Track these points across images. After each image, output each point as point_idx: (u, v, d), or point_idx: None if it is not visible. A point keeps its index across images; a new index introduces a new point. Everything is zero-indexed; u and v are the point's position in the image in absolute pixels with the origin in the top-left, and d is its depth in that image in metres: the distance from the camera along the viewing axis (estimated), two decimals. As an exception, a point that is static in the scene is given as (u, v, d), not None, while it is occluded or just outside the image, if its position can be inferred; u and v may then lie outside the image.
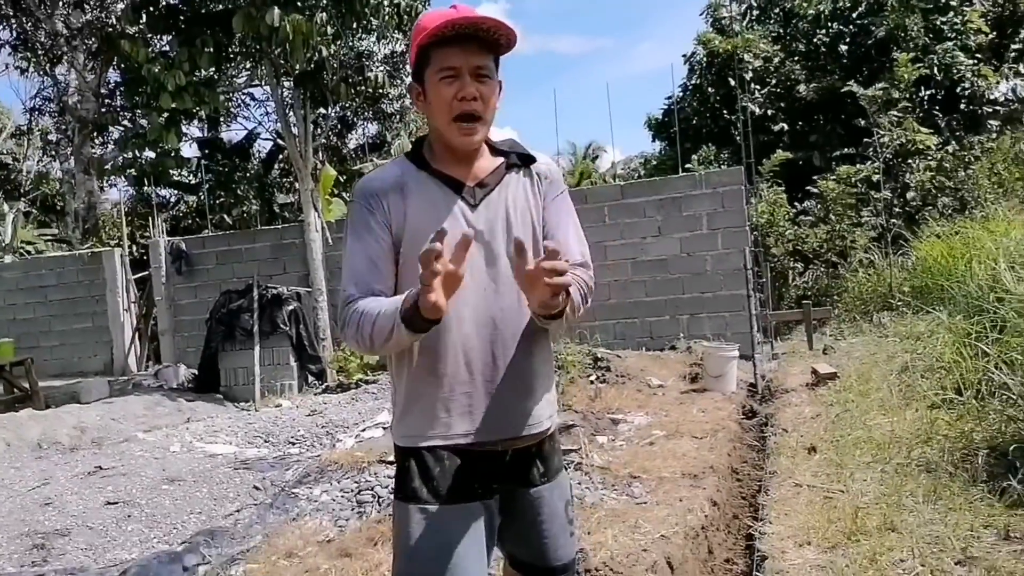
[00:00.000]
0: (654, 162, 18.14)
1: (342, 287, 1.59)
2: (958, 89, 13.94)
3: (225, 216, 14.93)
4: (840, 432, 4.70)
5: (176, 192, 17.60)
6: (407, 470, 1.62)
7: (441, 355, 1.57)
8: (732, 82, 14.57)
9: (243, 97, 13.72)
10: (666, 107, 17.02)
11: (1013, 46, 14.64)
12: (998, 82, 14.26)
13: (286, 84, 9.92)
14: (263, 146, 17.43)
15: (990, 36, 14.19)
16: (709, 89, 15.86)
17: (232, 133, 18.05)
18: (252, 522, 4.02)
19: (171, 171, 12.13)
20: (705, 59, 15.88)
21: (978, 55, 14.06)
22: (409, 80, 1.67)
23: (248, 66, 10.31)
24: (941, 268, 7.94)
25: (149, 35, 9.09)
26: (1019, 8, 14.35)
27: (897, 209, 12.32)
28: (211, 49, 8.42)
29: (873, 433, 4.46)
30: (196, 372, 9.51)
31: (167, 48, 9.09)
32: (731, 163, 12.94)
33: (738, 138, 12.90)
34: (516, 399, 1.63)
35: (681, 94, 16.76)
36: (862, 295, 10.27)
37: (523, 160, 1.68)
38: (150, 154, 9.94)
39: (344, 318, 1.54)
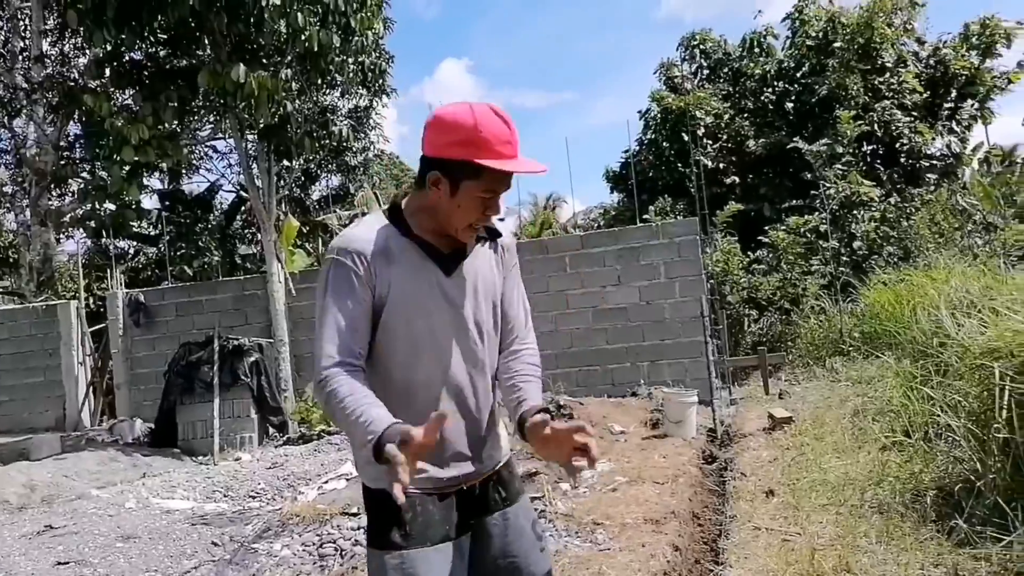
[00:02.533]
0: (613, 213, 18.54)
1: (320, 345, 1.60)
2: (897, 145, 14.69)
3: (186, 268, 14.75)
4: (796, 475, 4.82)
5: (135, 244, 17.36)
6: (379, 516, 1.67)
7: (414, 413, 1.62)
8: (685, 137, 15.12)
9: (206, 149, 13.75)
10: (623, 160, 17.52)
11: (945, 105, 15.53)
12: (933, 138, 15.07)
13: (250, 137, 10.00)
14: (225, 198, 17.41)
15: (924, 96, 15.04)
16: (664, 143, 16.40)
17: (194, 185, 18.00)
18: (212, 579, 3.95)
19: (131, 223, 12.02)
20: (659, 115, 16.46)
21: (914, 113, 14.88)
22: (431, 169, 1.63)
23: (212, 119, 10.38)
24: (888, 314, 8.27)
25: (112, 89, 9.12)
26: (949, 70, 15.26)
27: (845, 258, 12.78)
28: (175, 104, 8.48)
29: (828, 475, 4.59)
30: (153, 426, 9.28)
31: (130, 102, 9.12)
32: (686, 214, 13.33)
33: (692, 190, 13.32)
34: (481, 444, 1.75)
35: (637, 148, 17.29)
36: (815, 341, 10.57)
37: (490, 234, 1.80)
38: (110, 206, 9.87)
39: (320, 384, 1.58)
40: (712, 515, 4.75)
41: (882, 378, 6.33)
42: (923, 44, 16.12)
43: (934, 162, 15.12)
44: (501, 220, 1.86)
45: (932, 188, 14.39)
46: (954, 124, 15.62)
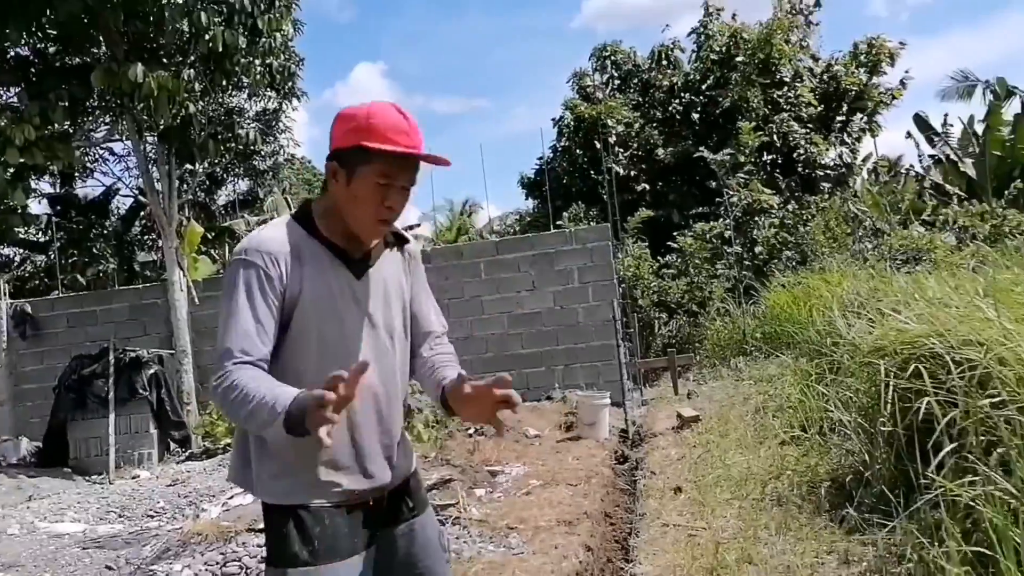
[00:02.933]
0: (528, 219, 18.74)
1: (223, 343, 1.53)
2: (794, 155, 15.50)
3: (78, 276, 13.91)
4: (702, 471, 4.98)
5: (22, 251, 16.24)
6: (284, 534, 1.59)
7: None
8: (598, 145, 15.46)
9: (101, 151, 13.00)
10: (538, 167, 17.74)
11: (838, 118, 16.50)
12: (827, 149, 15.99)
13: (149, 139, 9.53)
14: (123, 202, 16.51)
15: (819, 109, 15.94)
16: (577, 151, 16.73)
17: (88, 189, 16.97)
18: (105, 606, 3.72)
19: (16, 228, 11.23)
20: (572, 123, 16.77)
21: (809, 125, 15.74)
22: (331, 162, 1.63)
23: (108, 120, 9.83)
24: (787, 316, 8.67)
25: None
26: (841, 86, 16.23)
27: (747, 262, 13.35)
28: (66, 103, 7.98)
29: (731, 471, 4.76)
30: (40, 445, 8.69)
31: (15, 101, 8.54)
32: (599, 220, 13.61)
33: (605, 197, 13.63)
34: (391, 452, 1.70)
35: (551, 155, 17.55)
36: (720, 342, 10.98)
37: (397, 239, 1.81)
38: (-8, 211, 9.20)
39: (219, 381, 1.50)
40: (623, 514, 4.83)
41: (781, 376, 6.63)
42: (817, 61, 17.09)
43: (828, 171, 16.02)
44: (416, 226, 1.85)
45: (826, 196, 15.22)
46: (846, 136, 16.62)
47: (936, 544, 2.63)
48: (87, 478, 7.81)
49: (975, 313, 3.47)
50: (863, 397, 4.10)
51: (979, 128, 18.21)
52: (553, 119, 17.51)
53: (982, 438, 2.79)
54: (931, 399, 3.06)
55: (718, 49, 16.39)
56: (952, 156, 18.65)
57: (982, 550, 2.42)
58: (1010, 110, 17.95)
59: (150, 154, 9.54)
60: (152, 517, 5.67)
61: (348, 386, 1.33)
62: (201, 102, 8.89)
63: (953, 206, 14.60)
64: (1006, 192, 15.66)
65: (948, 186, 17.52)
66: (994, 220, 12.48)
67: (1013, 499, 2.42)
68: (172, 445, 8.43)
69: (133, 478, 7.43)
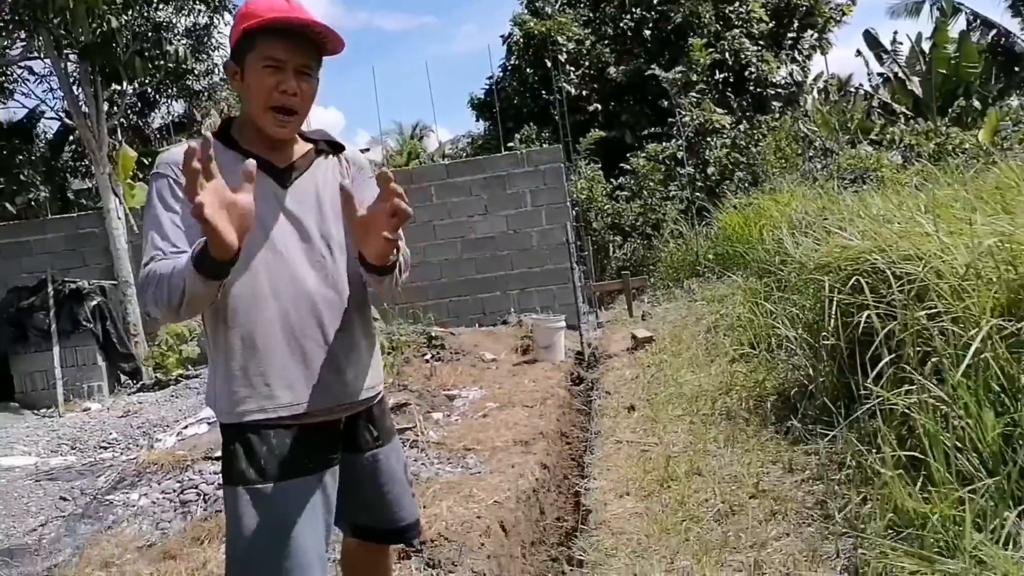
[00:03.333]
0: (479, 142, 18.41)
1: (145, 253, 1.50)
2: (746, 73, 15.42)
3: (7, 205, 13.21)
4: (655, 390, 5.12)
5: (-58, 179, 15.32)
6: (232, 452, 1.59)
7: (258, 328, 1.57)
8: (548, 64, 15.10)
9: (19, 71, 12.11)
10: (487, 87, 17.30)
11: (789, 35, 16.41)
12: (778, 67, 15.94)
13: (71, 57, 8.90)
14: (49, 126, 15.55)
15: (770, 25, 15.79)
16: (527, 70, 16.32)
17: (10, 112, 15.93)
18: (60, 536, 3.69)
19: (-67, 154, 10.54)
20: (522, 40, 16.29)
21: (760, 42, 15.62)
22: (227, 59, 1.65)
23: (22, 36, 9.13)
24: (738, 236, 8.83)
25: None
26: (792, 1, 16.06)
27: (700, 184, 13.44)
28: (-26, 17, 7.38)
29: (683, 389, 4.91)
30: (-18, 381, 8.44)
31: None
32: (551, 142, 13.44)
33: (556, 118, 13.42)
34: (339, 369, 1.65)
35: (501, 75, 17.10)
36: (674, 264, 11.15)
37: (332, 147, 1.75)
38: (-96, 136, 8.57)
39: (143, 280, 1.47)
40: (579, 433, 4.96)
41: (732, 296, 6.79)
42: (768, -26, 16.82)
43: (779, 90, 16.05)
44: (365, 150, 1.78)
45: (777, 116, 15.29)
46: (796, 54, 16.58)
47: (874, 451, 2.76)
48: (35, 412, 7.66)
49: (915, 229, 3.56)
50: (808, 313, 4.22)
51: (926, 46, 18.36)
52: (502, 36, 17.00)
53: (918, 349, 2.90)
54: (871, 312, 3.16)
55: (670, -39, 15.97)
56: (900, 74, 18.84)
57: (915, 454, 2.55)
58: (956, 27, 18.11)
59: (73, 73, 8.94)
60: (105, 448, 5.60)
61: (241, 189, 1.31)
62: (124, 15, 8.30)
63: (900, 125, 14.84)
64: (950, 110, 15.96)
65: (895, 105, 17.76)
66: (938, 138, 12.74)
67: (944, 405, 2.53)
68: (122, 377, 8.28)
69: (84, 411, 7.30)
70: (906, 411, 2.70)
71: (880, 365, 2.96)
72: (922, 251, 3.21)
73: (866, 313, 3.20)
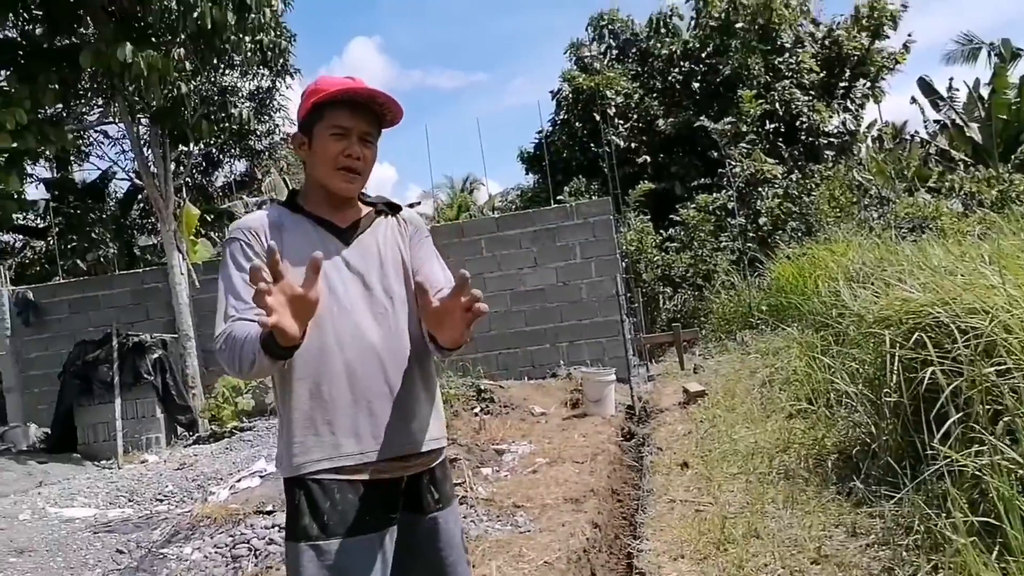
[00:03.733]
0: (529, 194, 18.62)
1: (219, 315, 1.60)
2: (797, 123, 15.32)
3: (79, 261, 13.88)
4: (709, 446, 4.97)
5: (21, 237, 16.22)
6: (296, 507, 1.61)
7: (324, 378, 1.62)
8: (597, 117, 15.29)
9: (96, 135, 12.89)
10: (537, 141, 17.57)
11: (840, 84, 16.29)
12: (830, 116, 15.81)
13: (142, 121, 9.43)
14: (120, 186, 16.42)
15: (821, 75, 15.73)
16: (576, 124, 16.55)
17: (85, 173, 16.89)
18: (115, 590, 3.74)
19: (14, 214, 11.18)
20: (571, 95, 16.57)
21: (812, 92, 15.54)
22: (295, 131, 1.76)
23: (100, 102, 9.73)
24: (792, 287, 8.64)
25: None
26: (843, 51, 15.99)
27: (751, 234, 13.28)
28: (56, 86, 7.89)
29: (738, 445, 4.76)
30: (49, 431, 8.73)
31: (4, 84, 8.45)
32: (600, 194, 13.51)
33: (605, 170, 13.52)
34: (403, 419, 1.67)
35: (551, 128, 17.38)
36: (726, 315, 10.96)
37: (390, 208, 1.85)
38: (-11, 197, 9.12)
39: (219, 342, 1.55)
40: (630, 490, 4.84)
41: (787, 349, 6.60)
42: (818, 25, 16.84)
43: (831, 139, 15.87)
44: (417, 204, 1.85)
45: (830, 164, 15.11)
46: (848, 103, 16.43)
47: (943, 515, 2.61)
48: (96, 463, 7.86)
49: (980, 281, 3.43)
50: (869, 368, 4.08)
51: (984, 92, 18.00)
52: (551, 92, 17.33)
53: (988, 407, 2.76)
54: (936, 368, 3.03)
55: (717, 15, 16.14)
56: (957, 121, 18.46)
57: (989, 520, 2.40)
58: (1015, 72, 17.75)
59: (144, 136, 9.46)
60: (161, 501, 5.70)
61: (308, 282, 1.36)
62: (193, 81, 8.78)
63: (959, 172, 14.49)
64: (1012, 156, 15.53)
65: (954, 151, 17.36)
66: (1001, 185, 12.38)
67: (1019, 468, 2.39)
68: (179, 429, 8.46)
69: (141, 462, 7.47)
70: (977, 473, 2.56)
71: (948, 424, 2.82)
72: (988, 304, 3.09)
73: (931, 369, 3.07)
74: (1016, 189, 12.00)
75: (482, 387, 7.47)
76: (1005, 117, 16.47)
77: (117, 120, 9.82)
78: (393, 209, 1.85)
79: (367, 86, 1.69)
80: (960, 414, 2.84)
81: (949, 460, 2.69)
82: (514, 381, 8.53)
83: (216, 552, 4.03)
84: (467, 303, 1.44)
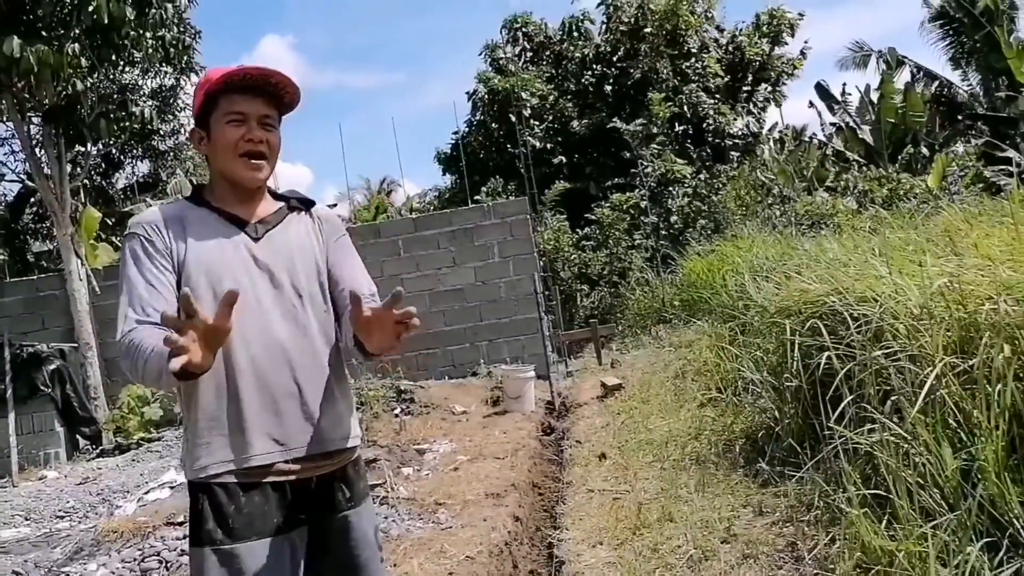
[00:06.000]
0: (447, 195, 18.60)
1: (120, 314, 1.54)
2: (704, 125, 15.92)
3: (-36, 269, 12.94)
4: (626, 437, 5.12)
5: None
6: (199, 512, 1.56)
7: (230, 378, 1.57)
8: (513, 118, 15.43)
9: (-19, 134, 12.04)
10: (453, 141, 17.58)
11: (744, 88, 17.03)
12: (735, 119, 16.50)
13: (34, 119, 8.89)
14: (9, 188, 15.37)
15: (725, 79, 16.39)
16: (492, 125, 16.65)
17: (-32, 175, 15.73)
18: (12, 614, 3.53)
19: None
20: (487, 96, 16.66)
21: (717, 96, 16.18)
22: (192, 127, 1.72)
23: (-15, 100, 9.11)
24: (702, 282, 8.95)
25: None
26: (745, 56, 16.72)
27: (664, 231, 13.70)
28: (-64, 80, 7.35)
29: (653, 435, 4.92)
30: (-68, 451, 8.12)
31: None
32: (517, 194, 13.64)
33: (522, 170, 13.65)
34: (311, 420, 1.63)
35: (467, 129, 17.41)
36: (641, 311, 11.26)
37: (303, 203, 1.80)
38: None
39: (121, 348, 1.50)
40: (551, 483, 4.92)
41: (698, 341, 6.86)
42: (722, 32, 17.54)
43: (736, 141, 16.56)
44: (333, 206, 1.83)
45: (736, 165, 15.74)
46: (752, 106, 17.19)
47: (840, 490, 2.79)
48: (-13, 483, 7.36)
49: (870, 271, 3.67)
50: (772, 356, 4.29)
51: (875, 96, 19.16)
52: (467, 93, 17.36)
53: (878, 388, 2.96)
54: (831, 353, 3.23)
55: (627, 20, 16.55)
56: (851, 123, 19.58)
57: (879, 492, 2.58)
58: (900, 79, 18.94)
59: (36, 136, 8.91)
60: (62, 518, 5.40)
61: (221, 315, 1.33)
62: (89, 79, 8.33)
63: (853, 172, 15.36)
64: (900, 157, 16.59)
65: (848, 152, 18.40)
66: (890, 184, 13.21)
67: (905, 443, 2.58)
68: (81, 442, 8.04)
69: (40, 479, 7.05)
70: (869, 450, 2.75)
71: (842, 405, 3.01)
72: (877, 293, 3.31)
73: (826, 354, 3.27)
74: (903, 188, 12.84)
75: (402, 388, 7.42)
76: (892, 120, 17.59)
77: (5, 119, 9.21)
78: (306, 205, 1.80)
79: (258, 66, 1.64)
80: (853, 396, 3.03)
81: (844, 439, 2.87)
82: (434, 381, 8.51)
83: (124, 567, 3.86)
84: (401, 317, 1.45)
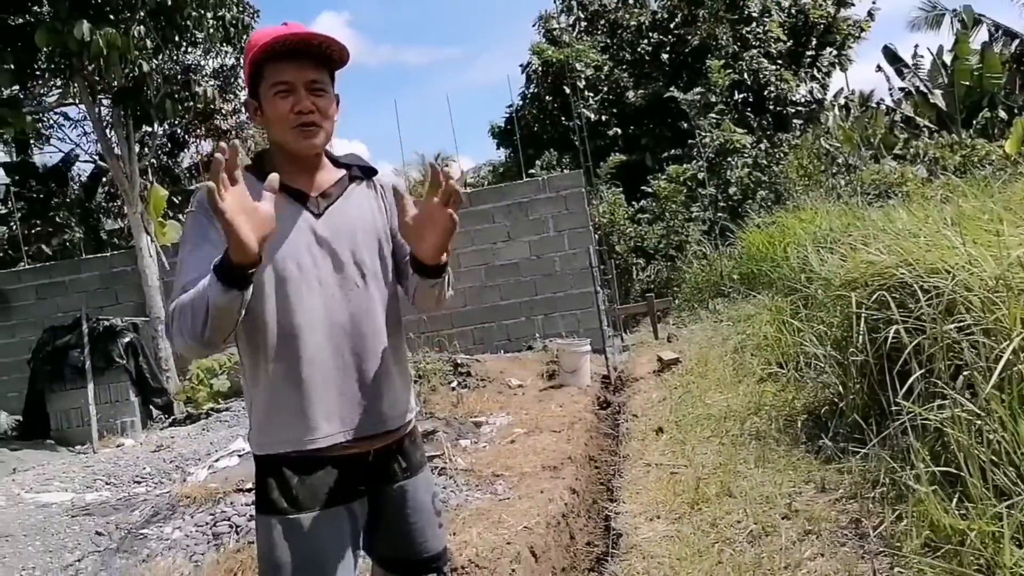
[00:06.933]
0: (501, 169, 18.56)
1: (174, 288, 1.52)
2: (765, 92, 15.41)
3: (44, 247, 13.59)
4: (683, 412, 5.07)
5: (-18, 223, 15.82)
6: (265, 482, 1.61)
7: (293, 359, 1.58)
8: (567, 90, 15.23)
9: (55, 116, 12.58)
10: (508, 115, 17.48)
11: (807, 53, 16.38)
12: (797, 85, 15.91)
13: (104, 101, 9.22)
14: (83, 169, 16.05)
15: (788, 44, 15.80)
16: (547, 97, 16.48)
17: (46, 156, 16.46)
18: (96, 570, 3.74)
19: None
20: (541, 68, 16.47)
21: (779, 61, 15.62)
22: (245, 96, 1.67)
23: (58, 83, 9.48)
24: (762, 255, 8.76)
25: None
26: (809, 19, 16.07)
27: (722, 203, 13.40)
28: (11, 66, 7.66)
29: (711, 410, 4.86)
30: (20, 418, 8.61)
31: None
32: (572, 167, 13.52)
33: (576, 143, 13.51)
34: (374, 397, 1.65)
35: (521, 102, 17.28)
36: (698, 285, 11.09)
37: (365, 172, 1.75)
38: (-56, 181, 8.91)
39: (169, 316, 1.47)
40: (607, 456, 4.93)
41: (758, 315, 6.72)
42: (785, -6, 16.88)
43: (799, 108, 16.00)
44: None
45: (798, 133, 15.24)
46: (816, 71, 16.54)
47: (907, 467, 2.71)
48: (70, 448, 7.77)
49: (942, 242, 3.51)
50: (836, 330, 4.17)
51: (948, 58, 18.23)
52: (521, 65, 17.20)
53: (949, 363, 2.85)
54: (899, 327, 3.12)
55: (685, -15, 16.11)
56: (922, 88, 18.70)
57: (950, 470, 2.50)
58: (977, 39, 17.98)
59: (106, 117, 9.24)
60: (139, 483, 5.67)
61: (264, 199, 1.35)
62: (155, 60, 8.58)
63: (924, 138, 14.71)
64: (974, 122, 15.78)
65: (919, 118, 17.61)
66: (963, 151, 12.59)
67: (978, 419, 2.48)
68: (154, 412, 8.39)
69: (117, 446, 7.41)
70: (939, 426, 2.66)
71: (911, 381, 2.91)
72: (949, 264, 3.17)
73: (894, 328, 3.16)
74: (978, 154, 12.22)
75: (459, 361, 7.50)
76: (967, 83, 16.71)
77: (77, 101, 9.58)
78: (368, 174, 1.75)
79: (299, 29, 1.55)
80: (922, 371, 2.93)
81: (912, 415, 2.78)
82: (490, 355, 8.57)
83: (197, 530, 4.04)
84: (443, 197, 1.45)
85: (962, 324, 2.85)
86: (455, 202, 1.47)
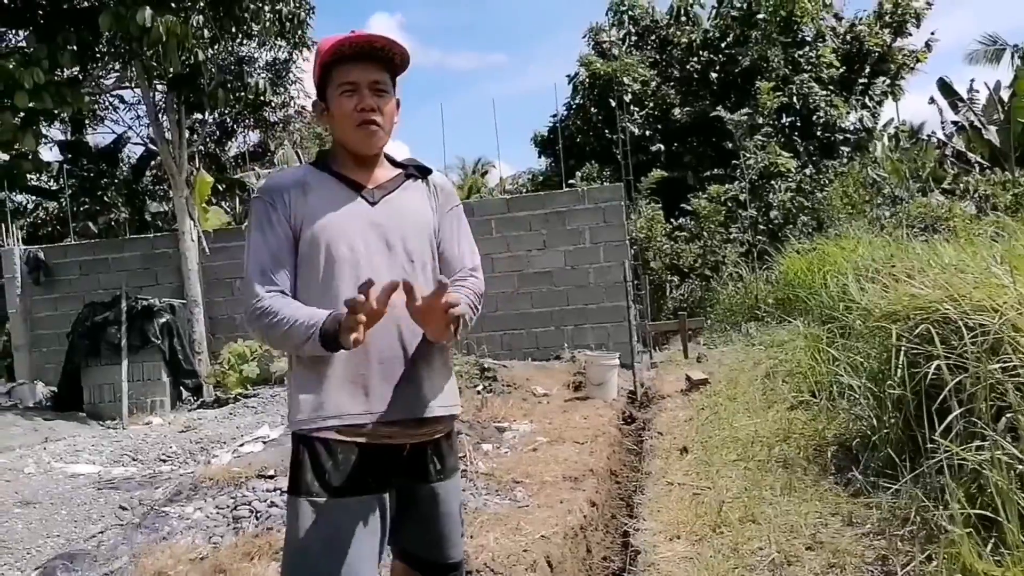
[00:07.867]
0: (540, 178, 18.55)
1: (247, 279, 1.67)
2: (814, 117, 15.18)
3: (90, 224, 13.95)
4: (709, 433, 5.00)
5: (34, 198, 16.29)
6: (299, 463, 1.64)
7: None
8: (613, 103, 15.19)
9: (111, 99, 12.91)
10: (551, 124, 17.48)
11: (859, 80, 16.12)
12: (848, 112, 15.65)
13: (159, 87, 9.44)
14: (133, 151, 16.45)
15: (840, 70, 15.56)
16: (592, 109, 16.44)
17: (99, 137, 16.94)
18: (117, 543, 3.80)
19: (28, 175, 11.24)
20: (587, 80, 16.45)
21: (830, 87, 15.39)
22: (314, 99, 1.82)
23: (117, 66, 9.74)
24: (800, 281, 8.62)
25: (2, 29, 8.43)
26: (864, 47, 15.82)
27: (762, 227, 13.22)
28: (74, 47, 7.89)
29: (739, 433, 4.78)
30: (56, 389, 8.83)
31: (23, 43, 8.46)
32: (612, 180, 13.46)
33: (619, 156, 13.47)
34: (414, 384, 1.68)
35: (566, 113, 17.27)
36: (732, 307, 10.95)
37: (420, 171, 1.85)
38: (3, 156, 9.17)
39: (252, 311, 1.62)
40: (629, 472, 4.87)
41: (792, 341, 6.60)
42: (840, 20, 16.64)
43: (847, 135, 15.73)
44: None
45: (845, 161, 14.99)
46: (867, 99, 16.25)
47: (941, 507, 2.63)
48: (101, 422, 7.94)
49: (990, 280, 3.42)
50: (873, 362, 4.08)
51: (1005, 95, 17.80)
52: (568, 76, 17.19)
53: (991, 403, 2.77)
54: (940, 363, 3.04)
55: (739, 5, 15.97)
56: (976, 122, 18.27)
57: (986, 513, 2.42)
58: (1038, 76, 17.48)
59: (160, 102, 9.47)
60: (164, 461, 5.77)
61: (379, 300, 1.43)
62: (210, 49, 8.76)
63: (975, 174, 14.36)
64: (1029, 161, 15.36)
65: (970, 153, 17.21)
66: (1016, 189, 12.27)
67: (1019, 463, 2.41)
68: (184, 393, 8.54)
69: (146, 424, 7.55)
70: (977, 468, 2.58)
71: (950, 419, 2.83)
72: (997, 302, 3.09)
73: (935, 363, 3.07)
74: (1031, 194, 11.90)
75: (486, 366, 7.51)
76: (1024, 121, 16.28)
77: (134, 85, 9.84)
78: (423, 172, 1.85)
79: (362, 33, 1.69)
80: (962, 409, 2.84)
81: (949, 454, 2.70)
82: (518, 362, 8.56)
83: (217, 512, 4.08)
84: (443, 306, 1.51)
85: (1007, 365, 2.76)
86: (451, 316, 1.56)
